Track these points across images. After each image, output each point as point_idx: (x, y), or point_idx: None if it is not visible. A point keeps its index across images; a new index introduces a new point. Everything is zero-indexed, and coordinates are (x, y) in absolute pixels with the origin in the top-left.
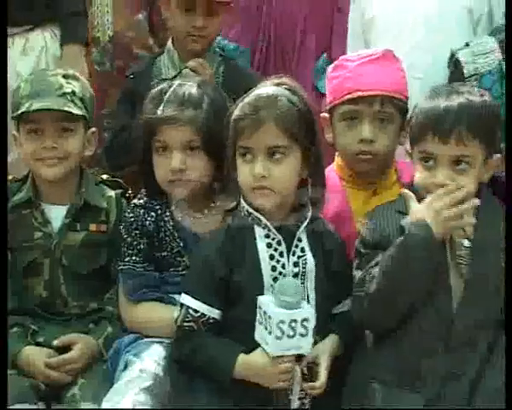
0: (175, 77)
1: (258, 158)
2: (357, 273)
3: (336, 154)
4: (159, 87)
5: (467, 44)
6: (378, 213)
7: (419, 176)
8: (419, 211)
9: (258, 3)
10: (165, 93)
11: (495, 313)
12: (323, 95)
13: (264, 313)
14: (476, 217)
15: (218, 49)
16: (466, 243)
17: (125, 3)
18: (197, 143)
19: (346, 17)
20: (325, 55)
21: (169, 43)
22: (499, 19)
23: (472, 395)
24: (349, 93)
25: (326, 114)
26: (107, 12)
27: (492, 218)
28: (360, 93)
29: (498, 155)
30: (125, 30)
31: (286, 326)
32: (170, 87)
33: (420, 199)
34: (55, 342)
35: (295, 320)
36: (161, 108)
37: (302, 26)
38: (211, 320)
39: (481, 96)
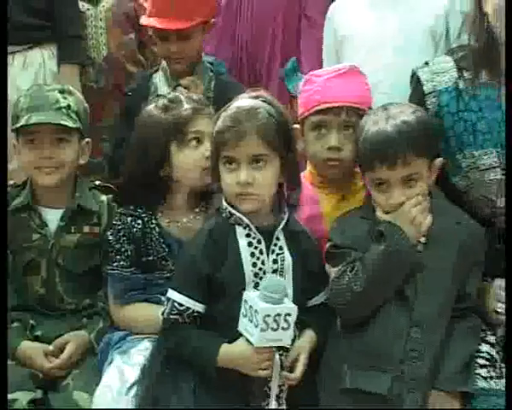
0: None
1: (243, 166)
2: (334, 270)
3: (308, 162)
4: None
5: (426, 63)
6: (345, 219)
7: (377, 198)
8: (392, 219)
9: (233, 20)
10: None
11: (451, 300)
12: (294, 97)
13: (250, 307)
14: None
15: (208, 65)
16: (422, 239)
17: (116, 24)
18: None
19: (314, 26)
20: (294, 58)
21: (163, 61)
22: (456, 40)
23: (433, 375)
24: (318, 105)
25: (297, 126)
26: (101, 34)
27: (443, 214)
28: (328, 104)
29: (440, 159)
30: (118, 49)
31: (271, 320)
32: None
33: None
34: (51, 348)
35: (279, 315)
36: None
37: (272, 42)
38: (195, 314)
39: (413, 113)
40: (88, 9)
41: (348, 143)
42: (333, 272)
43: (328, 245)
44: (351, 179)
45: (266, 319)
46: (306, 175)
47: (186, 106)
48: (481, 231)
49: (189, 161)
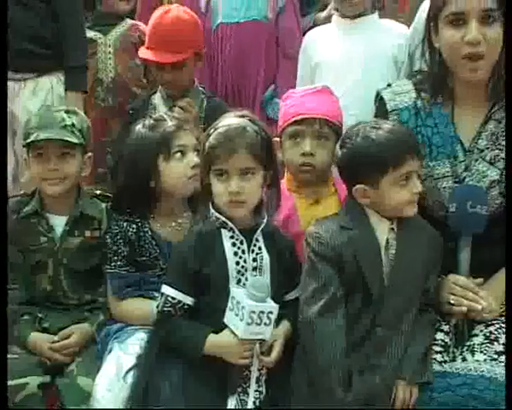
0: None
1: (233, 178)
2: (308, 282)
3: (285, 169)
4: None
5: (389, 85)
6: (325, 226)
7: (401, 196)
8: None
9: (216, 54)
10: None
11: (417, 296)
12: (272, 120)
13: (238, 303)
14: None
15: (200, 88)
16: (395, 243)
17: (122, 51)
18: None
19: (289, 58)
20: (272, 86)
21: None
22: (415, 65)
23: (399, 365)
24: (294, 116)
25: (277, 139)
26: (109, 58)
27: (409, 222)
28: (302, 115)
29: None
30: (124, 72)
31: (255, 316)
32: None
33: None
34: (56, 338)
35: (263, 312)
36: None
37: (255, 76)
38: (185, 306)
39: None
40: (99, 38)
41: (320, 150)
42: (308, 285)
43: (308, 250)
44: (324, 184)
45: (251, 315)
46: (284, 181)
47: (170, 123)
48: (438, 235)
49: (174, 171)
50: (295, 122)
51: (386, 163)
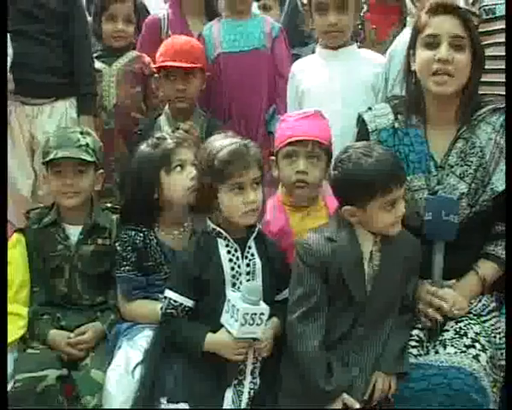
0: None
1: (249, 189)
2: (295, 288)
3: (280, 185)
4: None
5: (369, 108)
6: (312, 237)
7: (386, 219)
8: None
9: (218, 81)
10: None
11: (396, 302)
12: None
13: (233, 305)
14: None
15: (201, 111)
16: (379, 255)
17: (125, 80)
18: None
19: (286, 81)
20: (273, 106)
21: (166, 107)
22: (390, 90)
23: (378, 359)
24: (290, 138)
25: (273, 157)
26: (113, 87)
27: (397, 234)
28: (297, 138)
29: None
30: (126, 99)
31: (248, 317)
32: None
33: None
34: (72, 335)
35: (255, 314)
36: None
37: (259, 97)
38: (186, 308)
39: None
40: (104, 68)
41: (313, 168)
42: (295, 292)
43: (297, 258)
44: (314, 200)
45: (245, 317)
46: (278, 196)
47: (170, 141)
48: (419, 244)
49: (175, 183)
50: (290, 143)
51: (375, 190)
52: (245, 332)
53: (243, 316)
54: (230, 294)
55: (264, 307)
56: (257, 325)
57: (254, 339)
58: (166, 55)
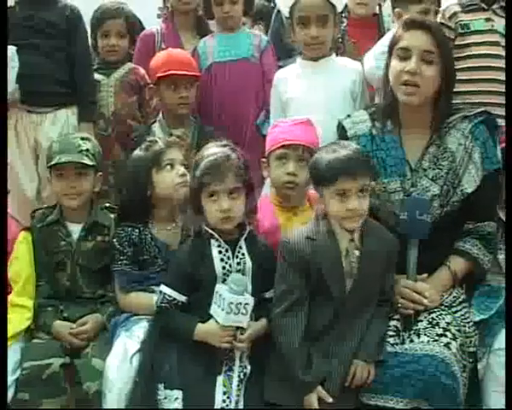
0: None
1: (223, 198)
2: (278, 284)
3: (270, 185)
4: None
5: (349, 116)
6: (294, 236)
7: (335, 209)
8: None
9: (210, 88)
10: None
11: (375, 295)
12: (265, 136)
13: (220, 295)
14: (363, 234)
15: (192, 118)
16: (356, 253)
17: (121, 90)
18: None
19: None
20: (264, 111)
21: (160, 115)
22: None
23: (357, 348)
24: (282, 142)
25: (264, 159)
26: (110, 96)
27: (373, 232)
28: (289, 142)
29: (373, 183)
30: (122, 108)
31: (234, 306)
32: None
33: None
34: (74, 326)
35: (240, 303)
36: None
37: (248, 103)
38: (179, 303)
39: (355, 145)
40: (103, 79)
41: (302, 171)
42: (278, 288)
43: (280, 257)
44: (301, 200)
45: (230, 305)
46: (269, 196)
47: (160, 143)
48: (397, 243)
49: (166, 180)
50: (282, 147)
51: (323, 180)
52: (231, 320)
53: (229, 305)
54: (218, 286)
55: (248, 298)
56: (242, 314)
57: (239, 328)
58: (170, 65)
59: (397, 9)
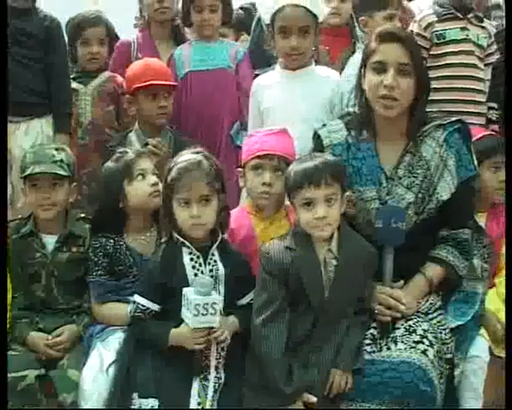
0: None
1: (194, 205)
2: (259, 294)
3: (245, 195)
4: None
5: (324, 125)
6: (273, 246)
7: (303, 218)
8: None
9: (186, 97)
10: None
11: (353, 304)
12: (240, 148)
13: (187, 299)
14: (340, 242)
15: (168, 127)
16: (334, 262)
17: (99, 99)
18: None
19: (247, 95)
20: (238, 122)
21: (136, 124)
22: (346, 107)
23: (336, 357)
24: (257, 151)
25: (240, 169)
26: (88, 105)
27: (350, 241)
28: (264, 152)
29: (348, 193)
30: (100, 116)
31: (201, 308)
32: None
33: None
34: (50, 337)
35: (207, 303)
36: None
37: (222, 112)
38: (153, 312)
39: (327, 155)
40: (81, 88)
41: (277, 181)
42: (259, 298)
43: (260, 266)
44: (277, 210)
45: (197, 307)
46: (244, 205)
47: (130, 153)
48: (375, 251)
49: (137, 191)
50: (258, 157)
51: (290, 188)
52: (200, 322)
53: (195, 307)
54: (185, 289)
55: (215, 297)
56: (211, 314)
57: (211, 328)
58: (148, 75)
59: (362, 17)
